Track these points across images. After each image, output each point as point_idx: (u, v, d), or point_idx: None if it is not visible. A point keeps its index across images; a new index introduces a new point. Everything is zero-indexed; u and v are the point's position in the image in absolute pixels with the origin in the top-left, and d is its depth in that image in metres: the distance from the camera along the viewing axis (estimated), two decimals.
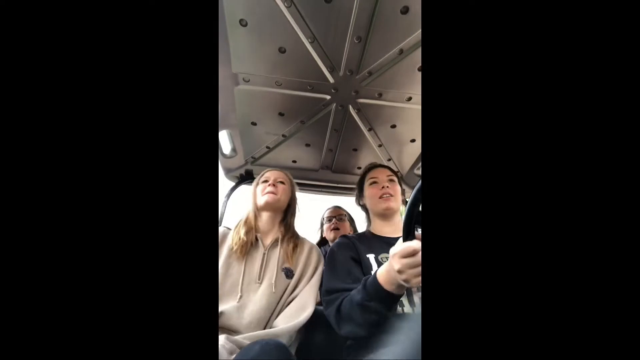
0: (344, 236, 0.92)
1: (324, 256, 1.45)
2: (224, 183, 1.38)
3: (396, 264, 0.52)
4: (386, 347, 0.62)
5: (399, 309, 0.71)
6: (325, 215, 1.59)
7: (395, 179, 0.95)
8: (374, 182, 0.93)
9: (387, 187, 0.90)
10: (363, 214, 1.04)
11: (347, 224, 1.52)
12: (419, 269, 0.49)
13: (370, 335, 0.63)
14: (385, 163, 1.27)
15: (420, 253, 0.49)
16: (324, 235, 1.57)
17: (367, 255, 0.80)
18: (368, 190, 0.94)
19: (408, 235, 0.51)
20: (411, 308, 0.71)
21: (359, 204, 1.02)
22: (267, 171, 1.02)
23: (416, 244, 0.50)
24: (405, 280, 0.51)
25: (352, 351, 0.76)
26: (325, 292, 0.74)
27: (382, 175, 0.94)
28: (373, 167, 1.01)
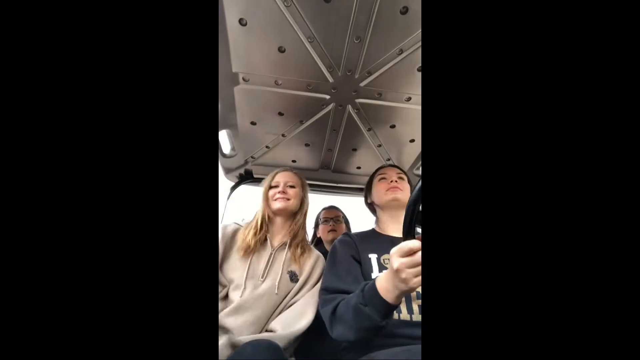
0: (346, 234, 0.92)
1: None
2: (224, 183, 1.38)
3: (395, 262, 0.51)
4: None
5: (396, 314, 0.71)
6: (322, 215, 1.57)
7: (405, 177, 0.97)
8: (383, 178, 0.95)
9: (396, 181, 0.92)
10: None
11: (344, 225, 1.52)
12: (418, 269, 0.49)
13: (358, 340, 0.62)
14: (385, 163, 1.27)
15: (419, 253, 0.49)
16: (318, 235, 1.56)
17: (369, 256, 0.80)
18: (376, 186, 0.96)
19: (408, 234, 0.51)
20: (409, 315, 0.70)
21: (367, 203, 1.03)
22: (277, 173, 1.00)
23: (415, 243, 0.49)
24: (404, 281, 0.50)
25: (349, 352, 0.76)
26: (324, 290, 0.74)
27: (391, 172, 0.96)
28: (383, 166, 1.03)
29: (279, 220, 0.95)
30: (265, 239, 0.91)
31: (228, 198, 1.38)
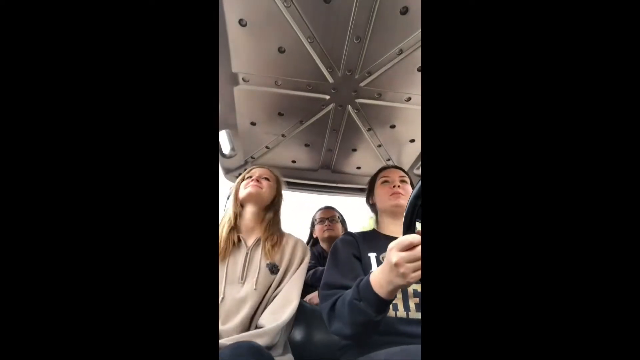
0: (349, 233, 0.92)
1: (319, 255, 1.46)
2: (224, 183, 1.38)
3: (393, 256, 0.49)
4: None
5: (393, 312, 0.71)
6: (318, 216, 1.58)
7: (407, 180, 0.96)
8: (386, 182, 0.94)
9: (399, 186, 0.91)
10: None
11: (339, 225, 1.53)
12: (417, 263, 0.47)
13: (354, 335, 0.62)
14: (384, 163, 1.27)
15: (419, 247, 0.47)
16: (315, 235, 1.57)
17: (369, 254, 0.80)
18: (379, 189, 0.95)
19: (408, 230, 0.50)
20: (405, 312, 0.70)
21: (369, 203, 1.02)
22: (253, 167, 0.99)
23: (415, 237, 0.48)
24: (402, 275, 0.48)
25: (347, 351, 0.76)
26: (325, 285, 0.74)
27: (394, 175, 0.95)
28: (386, 167, 1.02)
29: (249, 212, 0.91)
30: (239, 240, 0.88)
31: (228, 198, 1.38)
